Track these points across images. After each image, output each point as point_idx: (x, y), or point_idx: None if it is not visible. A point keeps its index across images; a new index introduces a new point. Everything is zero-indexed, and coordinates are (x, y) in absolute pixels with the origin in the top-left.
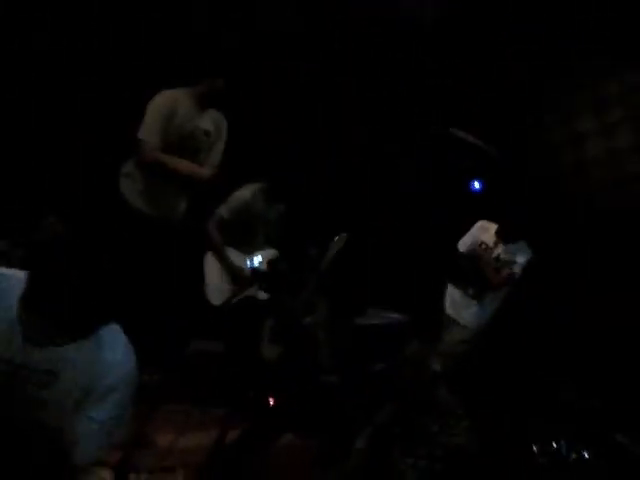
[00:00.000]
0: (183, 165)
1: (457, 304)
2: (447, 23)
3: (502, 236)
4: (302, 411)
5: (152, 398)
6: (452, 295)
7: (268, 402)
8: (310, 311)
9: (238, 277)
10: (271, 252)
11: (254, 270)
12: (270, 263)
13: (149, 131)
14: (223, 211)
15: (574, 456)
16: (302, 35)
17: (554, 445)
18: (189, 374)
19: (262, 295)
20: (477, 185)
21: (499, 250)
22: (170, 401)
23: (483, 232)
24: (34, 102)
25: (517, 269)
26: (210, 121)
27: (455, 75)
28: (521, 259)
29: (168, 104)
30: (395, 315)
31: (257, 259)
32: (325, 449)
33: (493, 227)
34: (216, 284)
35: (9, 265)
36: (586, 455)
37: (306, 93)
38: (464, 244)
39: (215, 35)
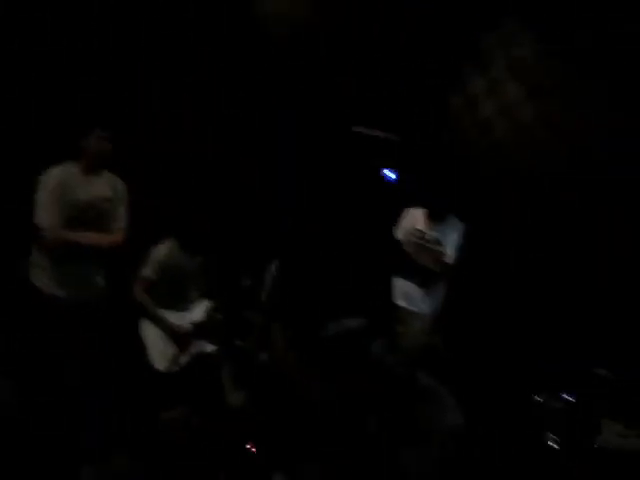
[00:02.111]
0: (88, 237)
1: (409, 295)
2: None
3: (431, 218)
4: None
5: None
6: (402, 288)
7: (250, 450)
8: (264, 346)
9: (179, 336)
10: (207, 302)
11: (195, 324)
12: (209, 313)
13: (45, 214)
14: (146, 271)
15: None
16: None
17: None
18: (164, 446)
19: (210, 348)
20: (391, 175)
21: (433, 232)
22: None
23: (412, 219)
24: None
25: (449, 246)
26: (106, 185)
27: (348, 73)
28: (453, 234)
29: (57, 180)
30: (352, 321)
31: (195, 313)
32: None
33: (420, 212)
34: (159, 349)
35: None
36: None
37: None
38: (398, 235)
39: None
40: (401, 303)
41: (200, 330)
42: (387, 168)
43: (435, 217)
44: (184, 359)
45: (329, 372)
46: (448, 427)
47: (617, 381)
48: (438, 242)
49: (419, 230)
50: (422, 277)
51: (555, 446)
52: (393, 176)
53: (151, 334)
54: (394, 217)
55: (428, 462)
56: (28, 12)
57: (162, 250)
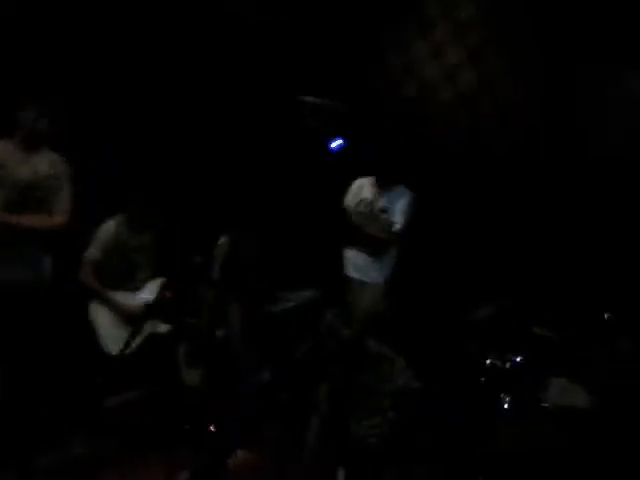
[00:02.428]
0: (31, 219)
1: (360, 266)
2: None
3: (378, 186)
4: (246, 424)
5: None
6: (353, 259)
7: (209, 429)
8: (218, 323)
9: (131, 317)
10: (158, 280)
11: (147, 304)
12: (160, 291)
13: None
14: (93, 252)
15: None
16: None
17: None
18: (116, 430)
19: (163, 327)
20: (338, 144)
21: (381, 202)
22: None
23: (360, 188)
24: None
25: (397, 214)
26: (47, 164)
27: (286, 42)
28: (401, 202)
29: None
30: (305, 293)
31: (146, 292)
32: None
33: (368, 181)
34: (111, 332)
35: None
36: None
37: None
38: (347, 205)
39: None
40: (352, 274)
41: (152, 309)
42: (334, 137)
43: (382, 185)
44: (137, 340)
45: (285, 344)
46: (399, 388)
47: (560, 339)
48: (385, 211)
49: (367, 199)
50: (372, 247)
51: (505, 405)
52: (339, 145)
53: (101, 317)
54: (343, 187)
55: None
56: None
57: (108, 228)
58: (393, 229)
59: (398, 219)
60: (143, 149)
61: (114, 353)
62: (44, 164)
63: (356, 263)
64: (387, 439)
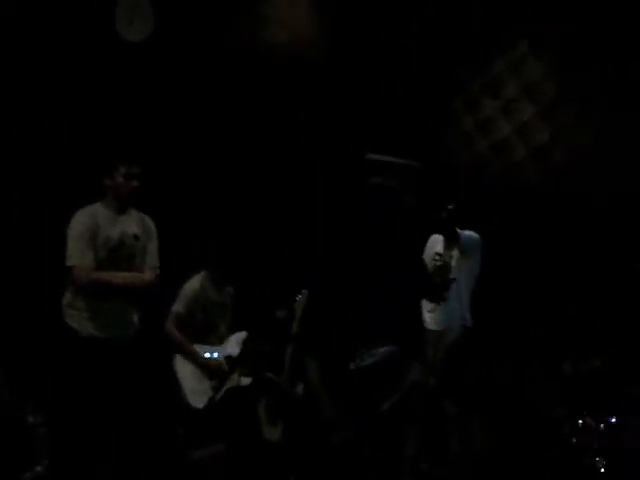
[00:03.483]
0: (122, 277)
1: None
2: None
3: (449, 241)
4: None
5: None
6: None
7: None
8: (298, 378)
9: (214, 371)
10: (240, 335)
11: (229, 358)
12: (243, 345)
13: (77, 255)
14: (178, 307)
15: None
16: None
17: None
18: None
19: (245, 381)
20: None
21: (453, 255)
22: None
23: (435, 244)
24: None
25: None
26: (134, 223)
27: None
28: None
29: (87, 222)
30: (386, 349)
31: (228, 347)
32: None
33: (440, 237)
34: (194, 386)
35: None
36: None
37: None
38: (425, 260)
39: None
40: (430, 326)
41: (235, 363)
42: (406, 193)
43: (450, 238)
44: (219, 395)
45: (365, 402)
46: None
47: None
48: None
49: (438, 254)
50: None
51: (601, 470)
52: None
53: (185, 371)
54: (416, 241)
55: None
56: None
57: (193, 285)
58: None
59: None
60: (226, 207)
61: (197, 407)
62: (133, 223)
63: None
64: None
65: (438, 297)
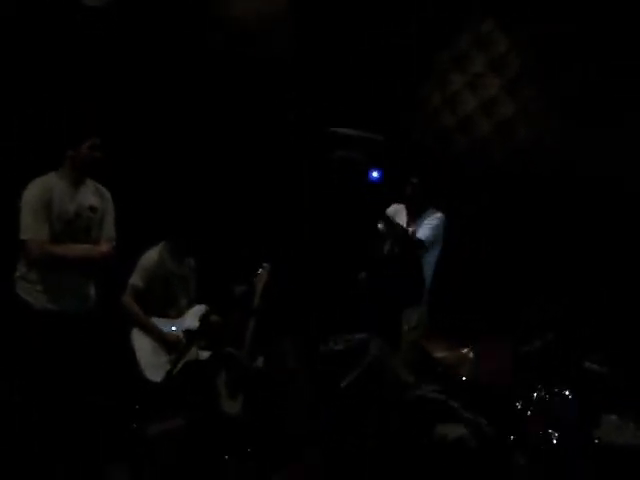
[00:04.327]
0: (77, 249)
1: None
2: None
3: (412, 214)
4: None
5: None
6: None
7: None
8: (258, 352)
9: (172, 345)
10: (199, 308)
11: (188, 331)
12: (202, 319)
13: (31, 228)
14: (135, 280)
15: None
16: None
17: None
18: (157, 459)
19: (204, 354)
20: (375, 174)
21: (413, 227)
22: None
23: (394, 215)
24: None
25: (424, 228)
26: (91, 194)
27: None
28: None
29: (41, 193)
30: (361, 336)
31: (187, 320)
32: None
33: (402, 208)
34: (151, 359)
35: None
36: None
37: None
38: (381, 231)
39: None
40: None
41: (193, 337)
42: (370, 168)
43: (415, 212)
44: (177, 368)
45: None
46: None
47: (611, 375)
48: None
49: (399, 224)
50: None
51: (554, 441)
52: (377, 175)
53: (142, 344)
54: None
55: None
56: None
57: (151, 257)
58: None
59: (423, 232)
60: (183, 177)
61: (155, 380)
62: (90, 194)
63: None
64: None
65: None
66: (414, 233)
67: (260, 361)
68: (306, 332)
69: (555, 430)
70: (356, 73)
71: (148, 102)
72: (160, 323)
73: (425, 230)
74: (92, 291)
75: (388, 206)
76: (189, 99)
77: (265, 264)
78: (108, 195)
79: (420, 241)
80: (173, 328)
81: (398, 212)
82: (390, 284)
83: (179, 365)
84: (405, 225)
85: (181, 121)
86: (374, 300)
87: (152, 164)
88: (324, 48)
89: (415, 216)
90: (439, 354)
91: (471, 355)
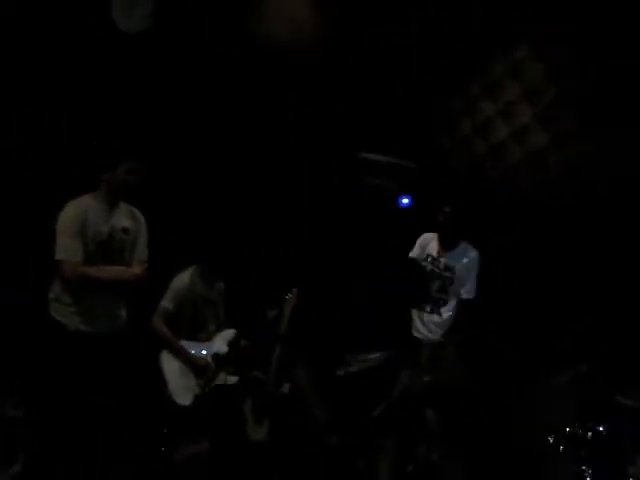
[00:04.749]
0: (111, 271)
1: (420, 324)
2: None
3: (444, 243)
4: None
5: None
6: (415, 317)
7: None
8: (285, 378)
9: (201, 369)
10: (228, 332)
11: (216, 355)
12: (231, 344)
13: (66, 249)
14: (166, 303)
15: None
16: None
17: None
18: None
19: (232, 379)
20: (405, 201)
21: (444, 259)
22: None
23: (426, 245)
24: None
25: (459, 272)
26: (125, 216)
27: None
28: (464, 260)
29: (76, 215)
30: (375, 355)
31: (216, 344)
32: None
33: (434, 237)
34: (179, 383)
35: None
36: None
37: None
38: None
39: None
40: (416, 334)
41: (222, 361)
42: (401, 194)
43: (447, 242)
44: (205, 392)
45: (355, 407)
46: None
47: None
48: (450, 269)
49: (431, 256)
50: (435, 304)
51: (587, 478)
52: (407, 201)
53: (171, 367)
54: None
55: None
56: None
57: (183, 280)
58: (464, 297)
59: (469, 289)
60: (218, 203)
61: (183, 404)
62: (123, 217)
63: (418, 321)
64: None
65: (433, 304)
66: (446, 266)
67: (286, 387)
68: (317, 354)
69: (589, 467)
70: (389, 96)
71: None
72: (189, 347)
73: (471, 289)
74: (124, 312)
75: (419, 234)
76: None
77: (294, 289)
78: (141, 217)
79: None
80: (203, 352)
81: (429, 241)
82: (392, 285)
83: (207, 389)
84: (436, 254)
85: (199, 135)
86: (375, 302)
87: (182, 185)
88: (356, 66)
89: (446, 246)
90: None
91: None
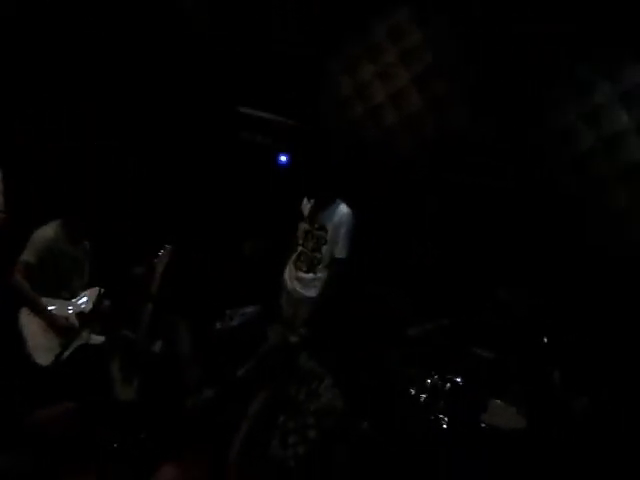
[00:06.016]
0: None
1: (299, 281)
2: None
3: (318, 201)
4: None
5: None
6: (291, 274)
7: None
8: (156, 336)
9: (63, 327)
10: (93, 290)
11: (80, 314)
12: (95, 301)
13: None
14: (27, 256)
15: (448, 385)
16: None
17: (428, 381)
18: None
19: (96, 339)
20: (283, 158)
21: (319, 218)
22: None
23: (305, 207)
24: None
25: (331, 231)
26: None
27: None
28: (336, 218)
29: None
30: (248, 309)
31: (80, 301)
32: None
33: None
34: (40, 341)
35: None
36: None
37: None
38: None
39: None
40: (291, 288)
41: (86, 319)
42: (278, 151)
43: (321, 201)
44: (67, 352)
45: (229, 362)
46: (323, 406)
47: (497, 360)
48: (322, 228)
49: (305, 216)
50: (307, 264)
51: (444, 426)
52: (285, 159)
53: (31, 325)
54: (286, 201)
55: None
56: None
57: (46, 233)
58: (336, 256)
59: (340, 248)
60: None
61: (43, 363)
62: None
63: (295, 278)
64: (304, 459)
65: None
66: (320, 225)
67: (158, 345)
68: (199, 312)
69: (445, 415)
70: (272, 54)
71: None
72: (52, 304)
73: (342, 248)
74: None
75: (294, 191)
76: None
77: (166, 246)
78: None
79: (341, 260)
80: (69, 310)
81: (306, 204)
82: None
83: (70, 349)
84: (306, 215)
85: None
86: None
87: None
88: (238, 28)
89: (321, 204)
90: None
91: None
